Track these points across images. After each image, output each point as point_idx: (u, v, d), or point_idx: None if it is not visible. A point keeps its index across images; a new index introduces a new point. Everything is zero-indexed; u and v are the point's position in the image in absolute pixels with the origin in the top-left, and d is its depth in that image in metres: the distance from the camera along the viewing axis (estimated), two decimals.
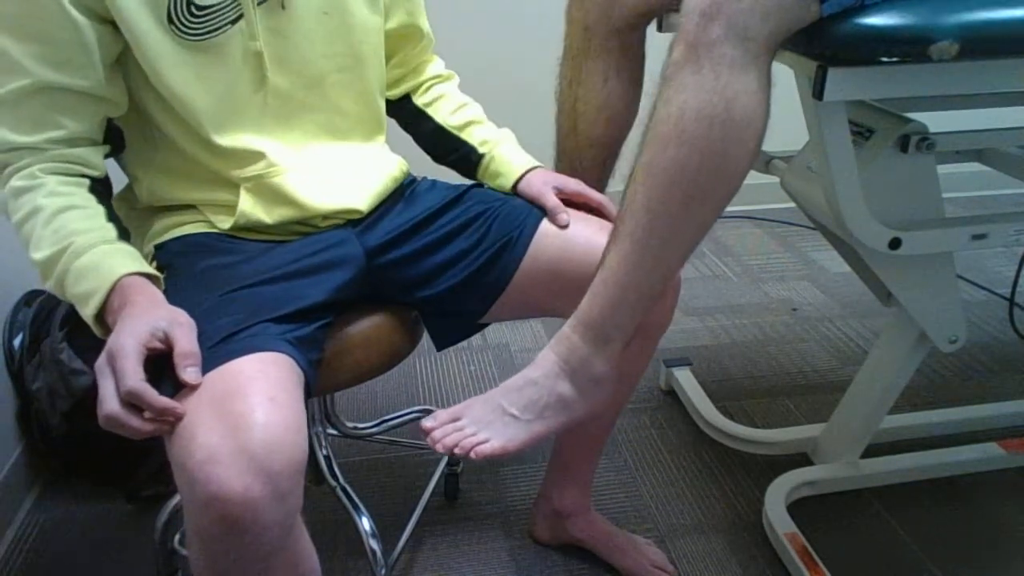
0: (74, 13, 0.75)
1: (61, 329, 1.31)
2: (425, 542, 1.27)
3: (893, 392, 1.24)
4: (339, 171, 0.93)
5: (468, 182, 1.05)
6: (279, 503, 0.65)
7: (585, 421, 0.86)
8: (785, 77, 0.92)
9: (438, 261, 0.95)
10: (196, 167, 0.87)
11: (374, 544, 1.10)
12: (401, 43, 1.03)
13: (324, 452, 1.13)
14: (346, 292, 0.89)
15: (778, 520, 1.24)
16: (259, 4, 0.83)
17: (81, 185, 0.81)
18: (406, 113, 1.08)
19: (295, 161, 0.90)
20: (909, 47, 0.79)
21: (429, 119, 1.06)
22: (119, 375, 0.65)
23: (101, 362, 0.67)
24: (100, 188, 0.83)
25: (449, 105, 1.07)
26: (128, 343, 0.67)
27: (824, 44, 0.80)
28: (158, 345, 0.69)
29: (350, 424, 1.32)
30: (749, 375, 1.72)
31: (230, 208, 0.88)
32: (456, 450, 0.80)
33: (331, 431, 1.20)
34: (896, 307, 1.15)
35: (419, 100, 1.07)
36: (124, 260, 0.76)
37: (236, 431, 0.64)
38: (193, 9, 0.79)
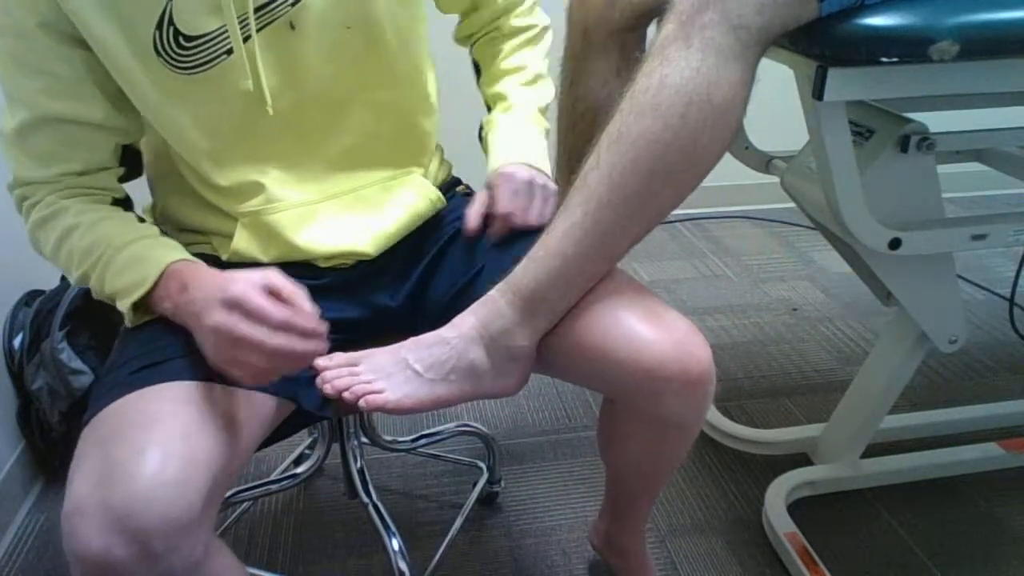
0: (61, 45, 0.72)
1: (61, 329, 1.31)
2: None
3: (893, 392, 1.24)
4: (349, 207, 0.85)
5: None
6: (150, 565, 0.58)
7: (492, 396, 0.79)
8: (785, 77, 0.92)
9: (450, 292, 0.88)
10: (199, 196, 0.84)
11: (403, 566, 1.04)
12: (470, 10, 0.98)
13: (358, 466, 1.09)
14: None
15: (778, 520, 1.24)
16: (260, 30, 0.74)
17: (103, 201, 0.80)
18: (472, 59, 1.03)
19: (300, 195, 0.82)
20: (909, 47, 0.79)
21: (479, 75, 1.02)
22: (261, 313, 0.62)
23: (222, 318, 0.62)
24: (124, 205, 0.82)
25: (496, 66, 0.98)
26: (246, 287, 0.63)
27: (824, 44, 0.80)
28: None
29: (388, 437, 1.28)
30: (749, 375, 1.71)
31: (231, 239, 0.84)
32: (346, 395, 0.72)
33: (365, 441, 1.15)
34: (896, 307, 1.15)
35: (475, 53, 1.02)
36: (171, 250, 0.74)
37: (107, 481, 0.59)
38: (181, 40, 0.72)
